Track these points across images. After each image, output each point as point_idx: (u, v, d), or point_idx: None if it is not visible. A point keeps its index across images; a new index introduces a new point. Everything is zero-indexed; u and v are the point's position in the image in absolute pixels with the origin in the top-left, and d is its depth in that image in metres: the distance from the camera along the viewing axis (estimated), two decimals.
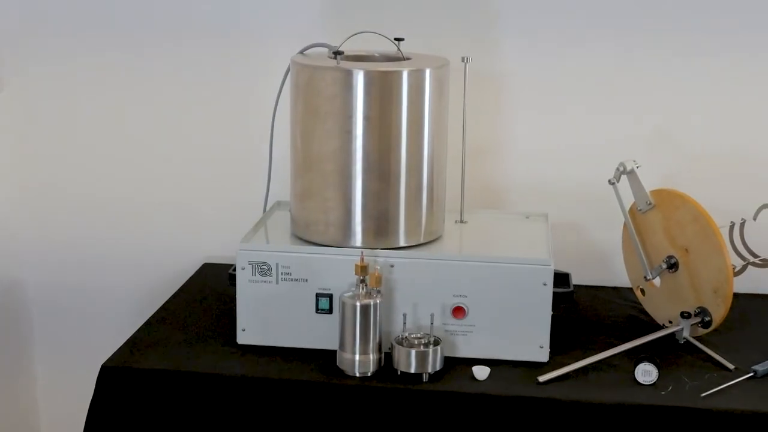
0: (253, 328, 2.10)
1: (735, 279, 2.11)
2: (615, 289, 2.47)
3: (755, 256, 2.23)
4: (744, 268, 2.20)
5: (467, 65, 2.18)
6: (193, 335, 2.18)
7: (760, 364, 2.05)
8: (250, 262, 2.07)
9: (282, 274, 2.07)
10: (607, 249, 2.46)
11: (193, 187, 2.62)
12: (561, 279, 2.16)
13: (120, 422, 2.02)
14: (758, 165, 2.47)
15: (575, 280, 2.22)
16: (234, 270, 2.11)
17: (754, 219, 2.22)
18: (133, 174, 2.63)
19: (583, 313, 2.32)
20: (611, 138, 2.47)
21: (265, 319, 2.09)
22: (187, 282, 2.50)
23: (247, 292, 2.09)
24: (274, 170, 2.31)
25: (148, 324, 2.24)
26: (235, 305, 2.10)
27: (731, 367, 2.06)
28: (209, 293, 2.40)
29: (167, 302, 2.37)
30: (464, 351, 2.07)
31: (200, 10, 2.51)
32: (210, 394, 2.00)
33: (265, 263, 2.07)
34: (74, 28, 2.55)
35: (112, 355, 2.08)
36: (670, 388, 1.97)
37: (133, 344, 2.14)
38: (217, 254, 2.60)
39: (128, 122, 2.60)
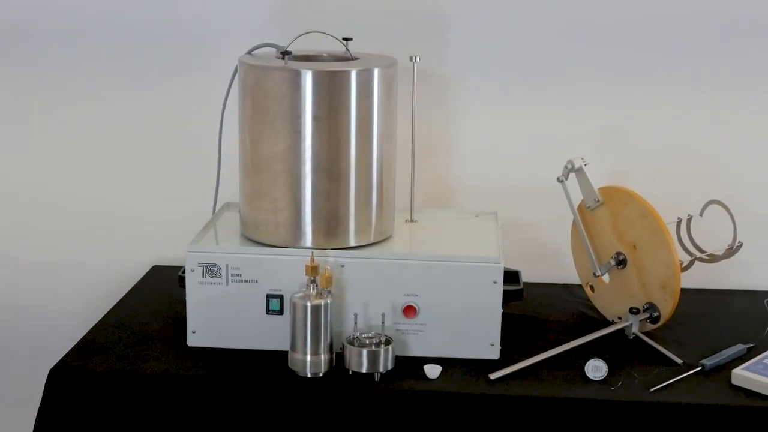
0: (203, 330, 2.09)
1: (682, 274, 2.13)
2: (564, 286, 2.49)
3: (702, 251, 2.25)
4: (691, 263, 2.22)
5: (416, 64, 2.19)
6: (143, 338, 2.16)
7: (708, 359, 2.07)
8: (199, 264, 2.06)
9: (232, 275, 2.06)
10: (556, 246, 2.47)
11: (141, 189, 2.60)
12: (511, 277, 2.17)
13: (69, 426, 1.99)
14: (704, 161, 2.50)
15: (525, 277, 2.23)
16: (183, 272, 2.10)
17: (701, 215, 2.24)
18: (81, 177, 2.60)
19: (534, 311, 2.33)
20: (560, 136, 2.48)
21: (215, 321, 2.08)
22: (136, 285, 2.48)
23: (196, 294, 2.07)
24: (223, 171, 2.30)
25: (97, 327, 2.22)
26: (185, 307, 2.09)
27: (679, 361, 2.08)
28: (159, 296, 2.38)
29: (117, 305, 2.35)
30: (415, 350, 2.07)
31: (146, 10, 2.49)
32: (160, 397, 1.99)
33: (214, 265, 2.06)
34: (12, 37, 2.53)
35: (60, 359, 2.05)
36: (620, 383, 1.99)
37: (82, 347, 2.11)
38: (167, 256, 2.58)
39: (75, 124, 2.57)
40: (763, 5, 2.42)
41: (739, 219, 2.21)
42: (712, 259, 2.25)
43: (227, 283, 2.06)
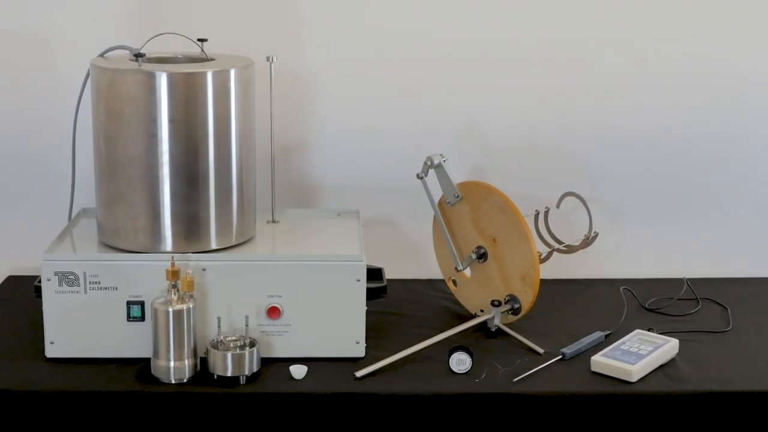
0: (62, 340, 2.04)
1: (541, 266, 2.18)
2: (428, 281, 2.51)
3: (560, 242, 2.30)
4: (549, 254, 2.27)
5: (272, 65, 2.18)
6: None
7: (568, 347, 2.12)
8: (56, 273, 2.01)
9: (90, 283, 2.02)
10: (418, 242, 2.49)
11: None
12: (374, 274, 2.17)
13: None
14: (560, 155, 2.55)
15: (388, 274, 2.24)
16: (40, 282, 2.05)
17: (557, 207, 2.29)
18: None
19: (397, 307, 2.34)
20: (419, 133, 2.50)
21: (74, 331, 2.04)
22: None
23: (54, 303, 2.02)
24: (78, 177, 2.25)
25: None
26: (42, 318, 2.04)
27: (541, 351, 2.12)
28: (15, 307, 2.31)
29: None
30: (281, 351, 2.06)
31: None
32: (20, 412, 1.93)
33: (72, 273, 2.02)
34: None
35: None
36: (484, 375, 2.02)
37: None
38: (22, 266, 2.51)
39: None
40: None
41: (594, 210, 2.27)
42: (570, 249, 2.30)
43: (86, 291, 2.02)
